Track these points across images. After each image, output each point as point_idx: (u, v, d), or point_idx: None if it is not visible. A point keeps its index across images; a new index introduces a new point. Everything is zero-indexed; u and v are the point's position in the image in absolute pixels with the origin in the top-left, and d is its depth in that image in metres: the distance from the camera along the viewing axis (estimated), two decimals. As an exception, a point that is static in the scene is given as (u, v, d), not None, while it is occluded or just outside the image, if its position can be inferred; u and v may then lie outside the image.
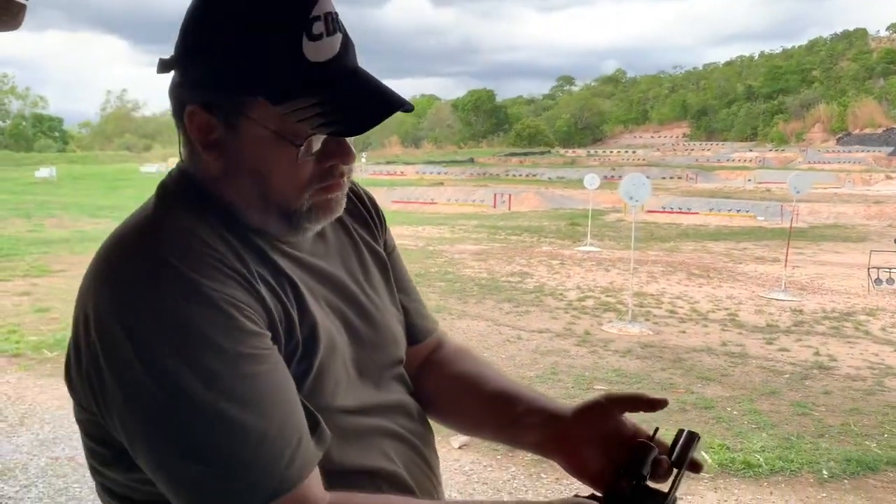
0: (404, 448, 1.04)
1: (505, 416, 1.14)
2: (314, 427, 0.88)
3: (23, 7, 2.56)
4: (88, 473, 0.97)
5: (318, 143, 0.90)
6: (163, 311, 0.81)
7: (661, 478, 0.98)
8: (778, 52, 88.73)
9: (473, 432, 1.29)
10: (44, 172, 38.67)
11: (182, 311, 0.80)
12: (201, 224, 0.90)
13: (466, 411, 1.20)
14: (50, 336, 7.87)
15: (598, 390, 6.10)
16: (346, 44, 0.89)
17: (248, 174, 0.91)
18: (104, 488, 0.95)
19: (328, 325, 0.97)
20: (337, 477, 0.91)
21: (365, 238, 1.13)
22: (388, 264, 1.15)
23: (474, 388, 1.18)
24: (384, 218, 1.20)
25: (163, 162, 46.86)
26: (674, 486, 0.95)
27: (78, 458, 4.69)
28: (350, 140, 0.93)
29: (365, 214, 1.15)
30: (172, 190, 0.98)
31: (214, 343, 0.81)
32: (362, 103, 0.88)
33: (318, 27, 0.85)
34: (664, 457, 0.99)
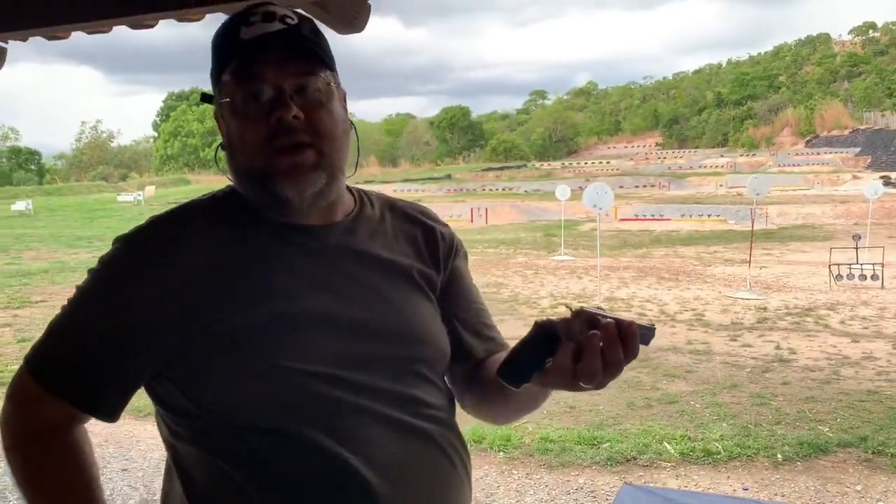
0: (394, 436, 1.09)
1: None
2: (92, 391, 1.07)
3: (4, 50, 2.82)
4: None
5: (261, 107, 1.07)
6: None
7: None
8: (745, 59, 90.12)
9: (515, 415, 1.33)
10: (20, 205, 38.42)
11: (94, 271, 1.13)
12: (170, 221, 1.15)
13: (500, 409, 1.28)
14: (33, 364, 8.00)
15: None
16: (289, 33, 1.09)
17: (234, 156, 1.12)
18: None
19: (300, 295, 1.09)
20: (267, 433, 1.04)
21: (419, 253, 1.26)
22: (435, 282, 1.25)
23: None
24: (455, 249, 1.32)
25: (139, 191, 46.74)
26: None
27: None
28: (305, 103, 1.07)
29: (424, 240, 1.28)
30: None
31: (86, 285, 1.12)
32: (259, 47, 1.08)
33: (255, 18, 1.08)
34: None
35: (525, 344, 1.01)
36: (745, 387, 7.05)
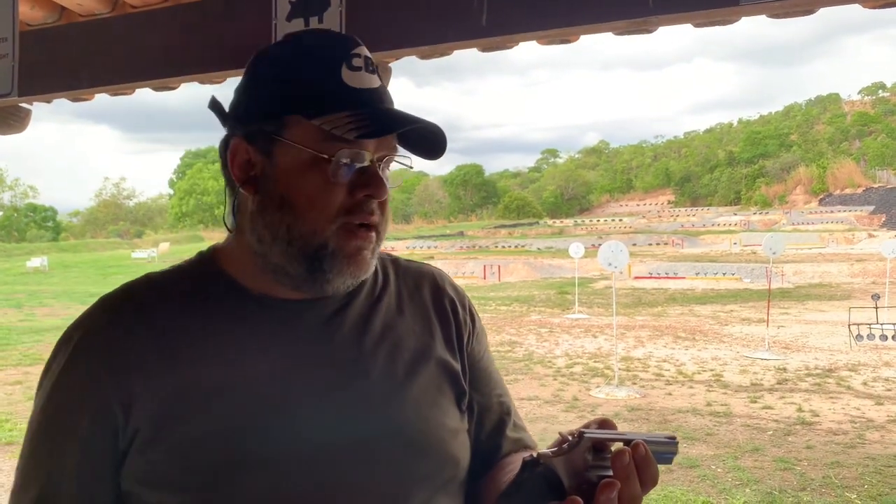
0: None
1: None
2: None
3: (29, 112, 2.85)
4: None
5: (349, 170, 0.90)
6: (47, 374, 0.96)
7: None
8: (755, 118, 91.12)
9: None
10: (35, 262, 38.82)
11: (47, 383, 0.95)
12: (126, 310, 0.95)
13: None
14: (43, 422, 7.95)
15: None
16: (383, 89, 0.95)
17: (279, 206, 0.92)
18: None
19: (264, 387, 0.90)
20: None
21: (430, 329, 1.05)
22: (452, 366, 1.04)
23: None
24: (472, 324, 1.11)
25: (153, 248, 47.17)
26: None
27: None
28: (385, 180, 0.93)
29: (436, 313, 1.08)
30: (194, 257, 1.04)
31: (38, 405, 0.95)
32: (392, 115, 0.92)
33: (358, 62, 0.92)
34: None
35: (519, 488, 0.84)
36: (767, 450, 6.87)
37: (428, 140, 0.95)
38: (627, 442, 0.80)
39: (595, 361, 11.72)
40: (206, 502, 0.87)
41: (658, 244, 41.68)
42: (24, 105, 2.78)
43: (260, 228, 0.93)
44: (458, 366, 1.04)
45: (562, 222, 61.41)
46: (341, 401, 0.92)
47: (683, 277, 27.46)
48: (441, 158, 0.99)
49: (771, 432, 7.51)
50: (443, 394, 1.01)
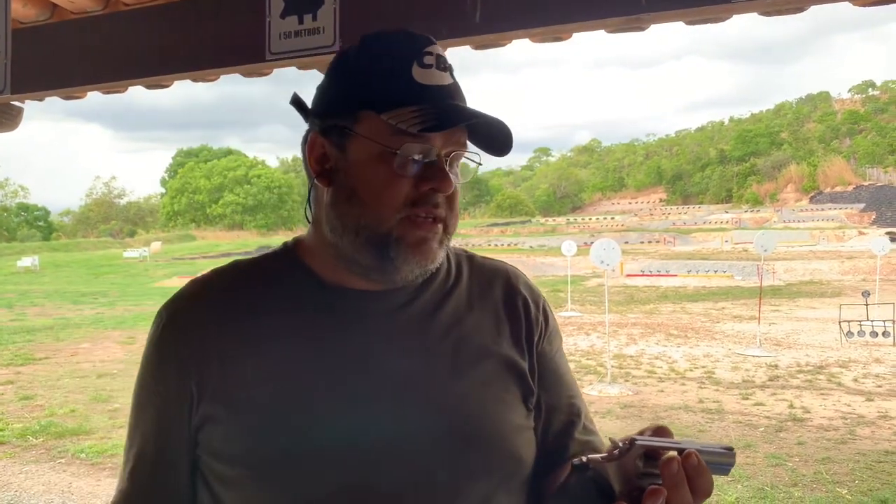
0: None
1: None
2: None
3: (21, 110, 2.84)
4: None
5: (416, 164, 0.94)
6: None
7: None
8: (746, 116, 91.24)
9: None
10: (26, 262, 38.57)
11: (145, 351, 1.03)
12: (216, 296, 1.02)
13: None
14: (35, 423, 7.90)
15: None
16: (455, 87, 0.98)
17: (349, 197, 0.96)
18: None
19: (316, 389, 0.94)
20: None
21: (499, 327, 1.06)
22: (521, 366, 1.04)
23: None
24: (548, 326, 1.11)
25: (145, 247, 46.98)
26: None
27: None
28: (452, 177, 0.96)
29: (522, 314, 1.08)
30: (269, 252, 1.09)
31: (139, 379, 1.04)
32: (455, 110, 0.95)
33: (430, 59, 0.95)
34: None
35: (567, 490, 0.86)
36: (759, 447, 6.90)
37: (495, 137, 0.98)
38: (681, 451, 0.79)
39: (588, 359, 11.75)
40: (266, 479, 0.91)
41: (650, 242, 41.79)
42: (16, 103, 2.77)
43: (333, 219, 0.98)
44: (525, 364, 1.05)
45: (554, 220, 61.46)
46: (403, 391, 0.95)
47: (675, 275, 27.55)
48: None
49: (762, 429, 7.56)
50: (508, 391, 1.02)
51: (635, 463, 0.81)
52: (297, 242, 1.08)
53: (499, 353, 1.03)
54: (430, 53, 0.96)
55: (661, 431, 0.84)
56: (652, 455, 0.80)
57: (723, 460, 0.81)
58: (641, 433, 0.84)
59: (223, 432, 0.94)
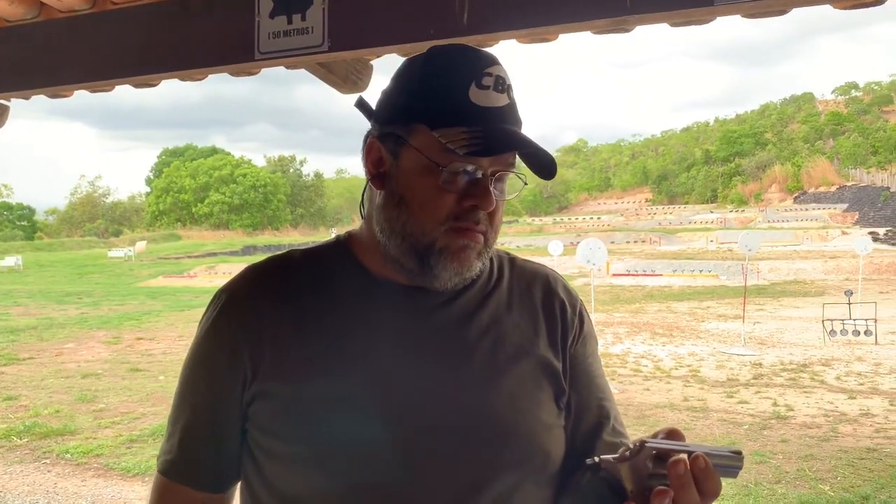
0: None
1: None
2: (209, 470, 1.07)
3: (7, 108, 2.83)
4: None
5: (462, 180, 0.98)
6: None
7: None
8: (731, 117, 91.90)
9: None
10: (9, 261, 38.25)
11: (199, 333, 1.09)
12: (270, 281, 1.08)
13: None
14: (19, 423, 7.83)
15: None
16: (510, 109, 1.01)
17: (397, 203, 1.01)
18: None
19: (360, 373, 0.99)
20: None
21: (536, 327, 1.10)
22: (555, 367, 1.08)
23: None
24: (583, 328, 1.15)
25: (130, 246, 46.66)
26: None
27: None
28: (497, 194, 1.00)
29: (558, 316, 1.12)
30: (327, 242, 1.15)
31: (192, 352, 1.09)
32: (506, 138, 0.98)
33: (488, 81, 0.98)
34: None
35: (580, 489, 0.90)
36: (743, 444, 6.95)
37: (542, 161, 1.01)
38: (690, 454, 0.82)
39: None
40: (303, 459, 0.97)
41: (636, 242, 41.97)
42: (2, 101, 2.76)
43: (382, 221, 1.04)
44: (559, 365, 1.09)
45: (541, 220, 61.67)
46: (440, 384, 1.00)
47: (661, 275, 27.68)
48: None
49: (747, 426, 7.62)
50: (541, 389, 1.06)
51: (646, 464, 0.84)
52: (349, 236, 1.13)
53: (535, 352, 1.08)
54: (490, 74, 0.99)
55: (672, 434, 0.87)
56: (662, 457, 0.84)
57: (731, 463, 0.85)
58: (654, 436, 0.87)
59: (272, 410, 1.00)
